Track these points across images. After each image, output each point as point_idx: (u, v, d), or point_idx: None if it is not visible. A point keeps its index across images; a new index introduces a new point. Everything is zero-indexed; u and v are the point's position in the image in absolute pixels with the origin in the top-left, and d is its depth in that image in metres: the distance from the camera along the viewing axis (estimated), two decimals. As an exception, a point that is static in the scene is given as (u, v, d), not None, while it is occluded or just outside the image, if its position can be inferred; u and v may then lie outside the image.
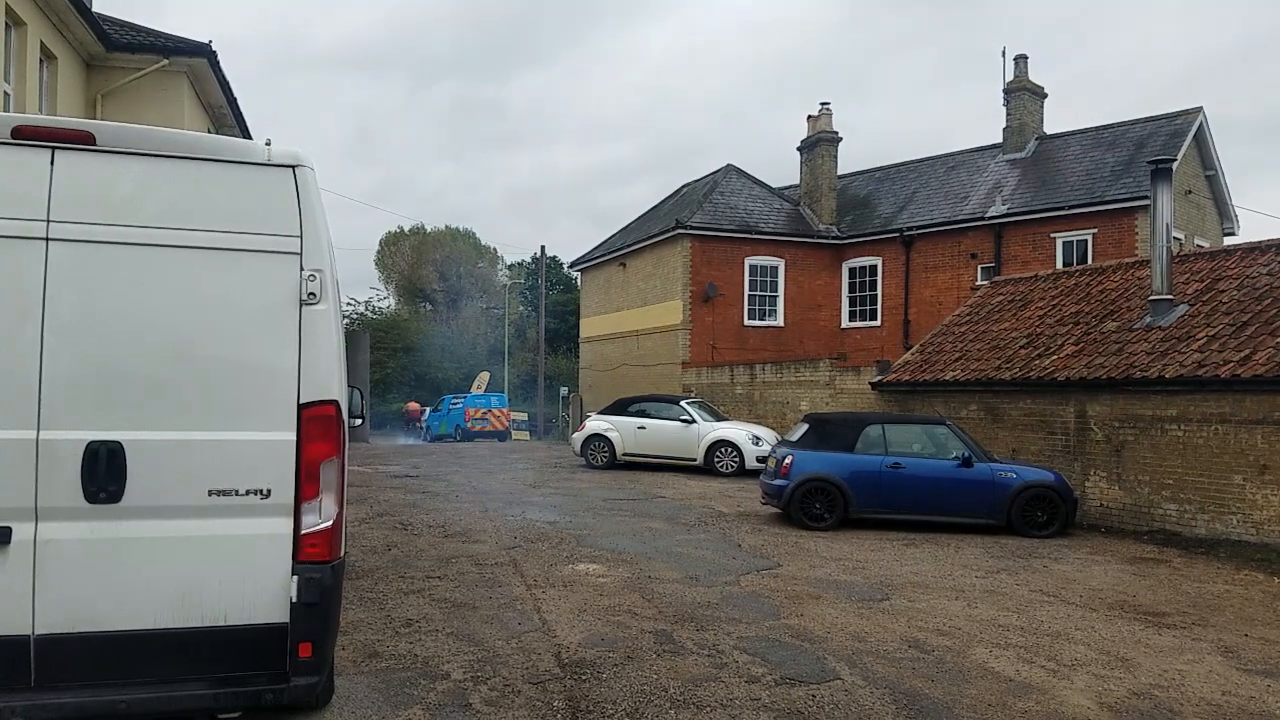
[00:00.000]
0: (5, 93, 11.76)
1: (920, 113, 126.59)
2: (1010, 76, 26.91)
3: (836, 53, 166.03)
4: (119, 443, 3.62)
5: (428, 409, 43.24)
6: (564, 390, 43.33)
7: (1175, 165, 20.34)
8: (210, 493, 3.73)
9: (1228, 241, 24.62)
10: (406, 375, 55.27)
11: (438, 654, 6.14)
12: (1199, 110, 23.60)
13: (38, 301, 3.58)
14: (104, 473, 3.60)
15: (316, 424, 3.83)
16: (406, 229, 71.75)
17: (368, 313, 60.08)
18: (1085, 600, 8.30)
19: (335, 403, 3.90)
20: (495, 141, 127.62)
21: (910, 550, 10.68)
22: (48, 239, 3.60)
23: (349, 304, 57.57)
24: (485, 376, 47.66)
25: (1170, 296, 14.00)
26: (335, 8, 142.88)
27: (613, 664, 6.01)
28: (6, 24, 11.63)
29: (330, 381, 3.90)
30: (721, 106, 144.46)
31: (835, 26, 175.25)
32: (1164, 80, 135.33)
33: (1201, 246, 21.52)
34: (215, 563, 3.73)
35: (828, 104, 30.01)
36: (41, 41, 12.62)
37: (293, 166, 3.92)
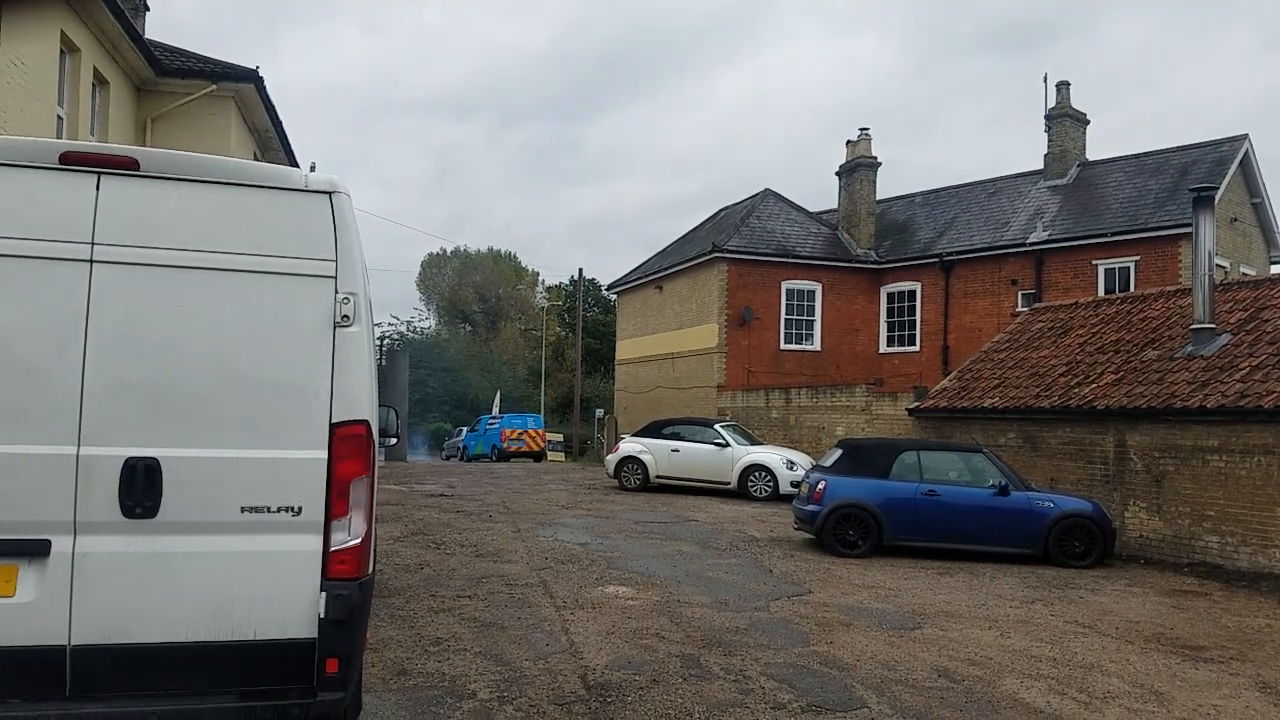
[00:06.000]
0: (59, 116, 12.15)
1: (979, 152, 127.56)
2: (1053, 103, 26.71)
3: (902, 98, 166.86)
4: (156, 459, 3.71)
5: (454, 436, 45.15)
6: (599, 412, 43.56)
7: (1219, 193, 20.02)
8: (243, 509, 3.79)
9: (1275, 270, 24.16)
10: (447, 395, 55.96)
11: (465, 673, 6.20)
12: (1244, 138, 23.22)
13: (81, 322, 3.68)
14: (141, 488, 3.69)
15: (348, 443, 3.90)
16: (449, 251, 72.88)
17: (408, 332, 60.87)
18: (1121, 632, 8.15)
19: (366, 422, 3.97)
20: (567, 177, 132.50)
21: (944, 579, 10.55)
22: (92, 261, 3.72)
23: (390, 323, 58.50)
24: (498, 394, 49.86)
25: (1213, 325, 13.77)
26: (433, 58, 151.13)
27: (638, 687, 6.02)
28: (62, 50, 12.03)
29: (362, 401, 3.97)
30: (787, 146, 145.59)
31: (902, 74, 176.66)
32: (1219, 122, 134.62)
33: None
34: (246, 578, 3.79)
35: (866, 129, 29.95)
36: (95, 67, 13.03)
37: (329, 193, 4.02)
